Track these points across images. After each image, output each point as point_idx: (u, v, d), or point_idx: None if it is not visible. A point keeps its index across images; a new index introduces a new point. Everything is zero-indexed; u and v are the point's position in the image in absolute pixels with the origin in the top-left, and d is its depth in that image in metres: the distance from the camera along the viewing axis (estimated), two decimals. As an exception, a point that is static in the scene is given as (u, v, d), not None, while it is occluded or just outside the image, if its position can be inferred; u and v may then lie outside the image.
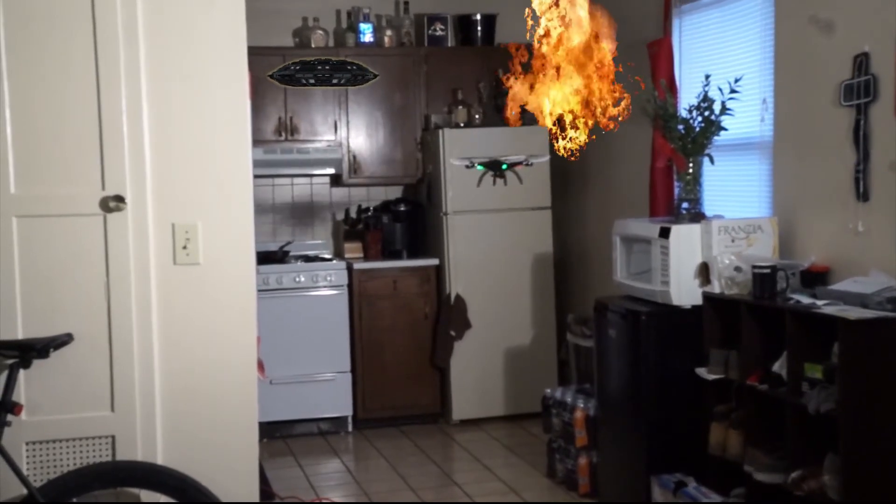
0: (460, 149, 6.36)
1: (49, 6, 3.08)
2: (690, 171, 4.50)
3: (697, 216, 4.46)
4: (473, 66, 6.76)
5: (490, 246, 6.41)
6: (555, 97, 2.77)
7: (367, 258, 6.62)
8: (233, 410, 3.28)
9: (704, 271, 4.31)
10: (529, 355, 6.54)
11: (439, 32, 6.84)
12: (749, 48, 4.70)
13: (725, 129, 4.48)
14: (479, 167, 5.25)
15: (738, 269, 4.15)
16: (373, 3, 6.82)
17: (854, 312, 3.48)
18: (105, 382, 3.16)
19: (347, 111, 6.63)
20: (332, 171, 6.66)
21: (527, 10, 2.81)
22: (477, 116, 6.57)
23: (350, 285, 6.42)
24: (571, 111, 2.77)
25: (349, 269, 6.44)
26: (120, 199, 3.12)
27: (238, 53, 3.24)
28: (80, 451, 3.16)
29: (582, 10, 2.69)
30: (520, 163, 5.11)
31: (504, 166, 5.13)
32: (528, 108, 2.80)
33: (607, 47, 2.75)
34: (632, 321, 4.43)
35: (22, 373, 3.04)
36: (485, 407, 6.49)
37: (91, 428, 3.16)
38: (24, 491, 3.00)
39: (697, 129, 4.45)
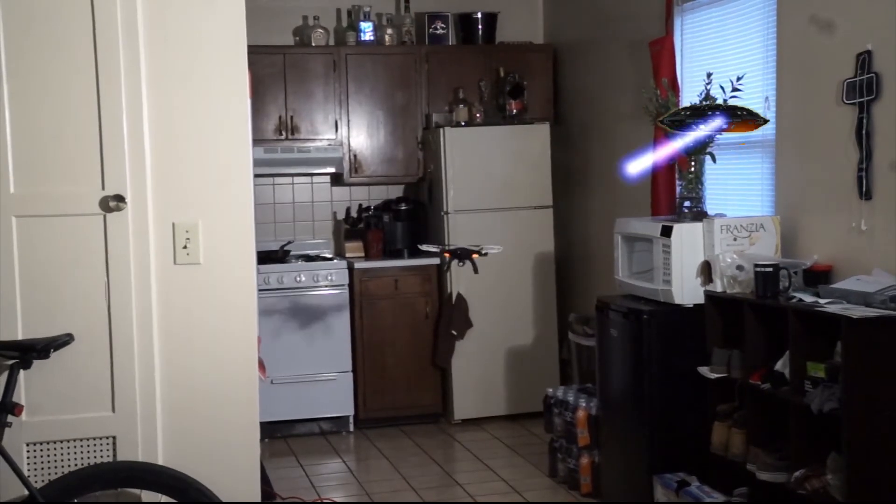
0: (461, 149, 6.36)
1: (49, 6, 3.07)
2: (692, 169, 4.49)
3: (699, 215, 4.44)
4: (475, 64, 6.75)
5: (490, 252, 6.39)
6: None
7: (368, 257, 6.61)
8: (234, 410, 3.27)
9: (706, 270, 4.30)
10: (531, 355, 6.53)
11: (440, 31, 6.83)
12: (751, 46, 4.69)
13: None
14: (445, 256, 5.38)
15: (740, 267, 4.14)
16: (373, 2, 6.81)
17: (857, 311, 3.47)
18: (105, 383, 3.14)
19: (348, 110, 6.62)
20: (332, 170, 6.65)
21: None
22: (478, 115, 6.57)
23: (351, 285, 6.41)
24: None
25: (350, 268, 6.43)
26: (120, 198, 3.11)
27: (238, 52, 3.22)
28: (80, 451, 3.15)
29: None
30: (476, 252, 5.21)
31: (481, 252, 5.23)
32: None
33: None
34: (633, 320, 4.42)
35: (22, 373, 3.03)
36: (486, 406, 6.48)
37: (92, 428, 3.15)
38: (25, 492, 2.99)
39: (699, 127, 4.43)
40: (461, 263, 5.40)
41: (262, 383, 3.45)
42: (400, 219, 6.72)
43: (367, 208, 6.80)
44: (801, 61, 4.31)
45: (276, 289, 6.26)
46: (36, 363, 3.02)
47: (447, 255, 5.39)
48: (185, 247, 3.19)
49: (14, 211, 3.07)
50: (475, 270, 5.33)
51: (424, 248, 5.58)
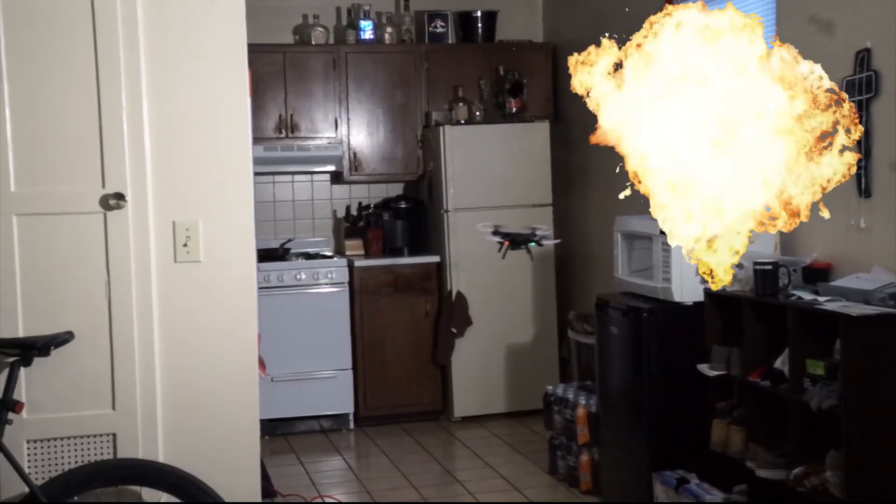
0: (461, 147, 6.37)
1: (49, 5, 3.08)
2: (692, 167, 4.49)
3: (699, 213, 4.44)
4: (474, 62, 6.76)
5: (491, 243, 6.38)
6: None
7: (367, 255, 6.62)
8: (234, 408, 3.27)
9: (706, 268, 4.30)
10: (531, 352, 6.54)
11: (440, 29, 6.84)
12: (750, 44, 4.69)
13: (727, 126, 4.46)
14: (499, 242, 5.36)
15: (739, 265, 4.14)
16: (373, 1, 6.82)
17: (856, 309, 3.47)
18: (106, 380, 3.15)
19: (348, 108, 6.63)
20: (332, 168, 6.65)
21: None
22: (478, 113, 6.57)
23: (351, 282, 6.42)
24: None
25: (350, 266, 6.44)
26: (120, 196, 3.12)
27: (238, 51, 3.23)
28: (81, 448, 3.16)
29: None
30: (533, 239, 5.23)
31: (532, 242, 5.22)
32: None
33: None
34: (633, 318, 4.42)
35: (23, 371, 3.04)
36: (486, 404, 6.49)
37: (92, 426, 3.16)
38: (26, 489, 3.00)
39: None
40: (524, 247, 5.36)
41: (262, 381, 3.45)
42: (400, 217, 6.73)
43: (367, 206, 6.81)
44: (801, 59, 4.31)
45: (277, 287, 6.27)
46: (36, 361, 3.03)
47: (506, 243, 5.36)
48: (185, 245, 3.20)
49: (15, 209, 3.08)
50: (531, 257, 5.34)
51: (481, 227, 5.54)
